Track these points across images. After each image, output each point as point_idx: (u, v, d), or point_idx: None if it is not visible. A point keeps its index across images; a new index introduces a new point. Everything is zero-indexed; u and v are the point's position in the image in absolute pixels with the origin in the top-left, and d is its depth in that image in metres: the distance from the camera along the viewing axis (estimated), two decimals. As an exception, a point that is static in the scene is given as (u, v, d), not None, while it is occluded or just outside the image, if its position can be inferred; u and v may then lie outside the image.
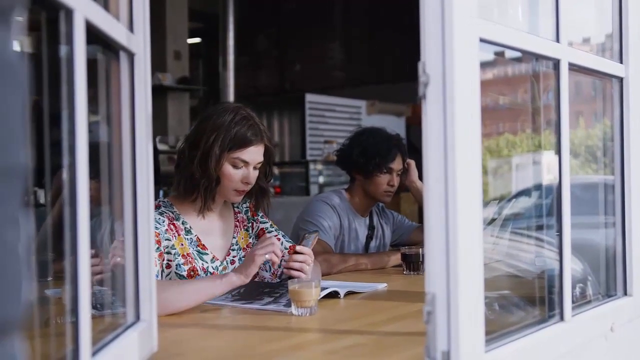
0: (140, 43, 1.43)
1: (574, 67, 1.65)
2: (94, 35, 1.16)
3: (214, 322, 1.92)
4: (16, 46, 0.64)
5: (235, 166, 2.29)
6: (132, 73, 1.41)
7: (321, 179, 7.86)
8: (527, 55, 1.66)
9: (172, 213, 2.32)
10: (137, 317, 1.43)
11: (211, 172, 2.26)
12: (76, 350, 1.04)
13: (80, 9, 1.05)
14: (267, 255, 2.07)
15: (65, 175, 1.06)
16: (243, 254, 2.44)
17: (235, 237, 2.45)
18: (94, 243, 1.12)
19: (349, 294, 2.28)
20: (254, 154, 2.31)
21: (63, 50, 1.05)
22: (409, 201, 6.95)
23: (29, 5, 0.73)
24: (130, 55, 1.40)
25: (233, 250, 2.43)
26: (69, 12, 1.03)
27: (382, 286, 2.46)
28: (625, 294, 1.90)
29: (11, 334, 0.62)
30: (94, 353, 1.14)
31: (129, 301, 1.42)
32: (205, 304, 2.06)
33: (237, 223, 2.49)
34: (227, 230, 2.45)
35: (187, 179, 2.30)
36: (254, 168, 2.33)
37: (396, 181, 3.14)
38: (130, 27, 1.41)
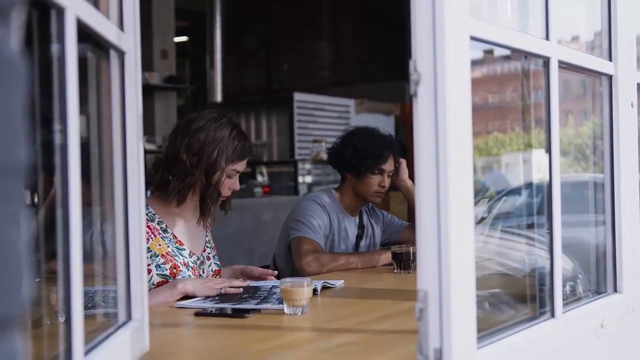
0: (130, 42, 1.43)
1: (563, 65, 1.65)
2: (84, 34, 1.16)
3: (205, 322, 1.92)
4: (15, 44, 0.64)
5: (229, 176, 2.42)
6: (122, 72, 1.41)
7: (310, 179, 7.85)
8: (516, 54, 1.66)
9: (147, 214, 2.36)
10: (129, 317, 1.42)
11: (217, 185, 2.38)
12: (69, 349, 1.04)
13: (72, 7, 1.04)
14: (222, 290, 2.23)
15: (56, 175, 1.05)
16: (214, 252, 2.59)
17: (207, 236, 2.58)
18: (84, 244, 1.11)
19: (325, 288, 2.34)
20: (245, 164, 2.49)
21: (54, 48, 1.05)
22: (397, 200, 6.97)
23: (28, 3, 0.73)
24: (121, 54, 1.40)
25: (208, 247, 2.56)
26: (60, 11, 1.03)
27: (339, 283, 2.49)
28: (615, 290, 1.91)
29: (12, 331, 0.63)
30: (86, 352, 1.13)
31: (121, 301, 1.41)
32: (196, 309, 2.05)
33: (207, 224, 2.60)
34: (200, 230, 2.54)
35: (187, 187, 2.38)
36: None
37: (387, 182, 3.14)
38: (121, 26, 1.40)
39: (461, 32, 1.26)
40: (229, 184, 2.43)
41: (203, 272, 2.46)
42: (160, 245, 2.35)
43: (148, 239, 2.30)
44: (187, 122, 2.42)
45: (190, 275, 2.37)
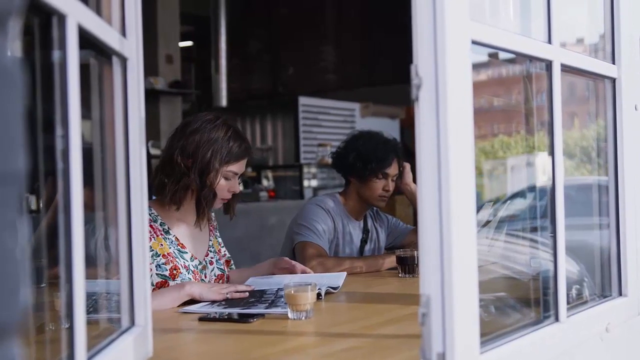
0: (132, 48, 1.43)
1: (566, 68, 1.65)
2: (86, 40, 1.16)
3: (209, 327, 1.91)
4: (13, 51, 0.64)
5: (226, 178, 2.42)
6: (125, 78, 1.41)
7: (315, 183, 7.85)
8: (521, 57, 1.66)
9: (150, 215, 2.37)
10: (132, 322, 1.42)
11: (212, 186, 2.38)
12: (71, 355, 1.04)
13: (73, 14, 1.05)
14: (228, 295, 2.22)
15: (58, 181, 1.06)
16: (218, 257, 2.58)
17: (211, 240, 2.58)
18: (88, 249, 1.11)
19: (328, 293, 2.34)
20: (243, 166, 2.47)
21: (56, 55, 1.05)
22: (403, 204, 6.96)
23: (25, 11, 0.74)
24: (123, 60, 1.40)
25: (211, 251, 2.55)
26: (62, 18, 1.03)
27: (342, 275, 2.54)
28: (620, 294, 1.90)
29: (10, 338, 0.63)
30: (89, 358, 1.13)
31: (124, 306, 1.42)
32: (201, 314, 2.05)
33: (211, 228, 2.61)
34: (204, 234, 2.55)
35: (182, 189, 2.38)
36: (239, 177, 2.48)
37: (391, 186, 3.14)
38: (123, 32, 1.40)
39: (462, 36, 1.26)
40: (228, 186, 2.42)
41: (205, 277, 2.46)
42: (162, 245, 2.36)
43: (150, 238, 2.30)
44: (184, 125, 2.44)
45: (190, 279, 2.37)
